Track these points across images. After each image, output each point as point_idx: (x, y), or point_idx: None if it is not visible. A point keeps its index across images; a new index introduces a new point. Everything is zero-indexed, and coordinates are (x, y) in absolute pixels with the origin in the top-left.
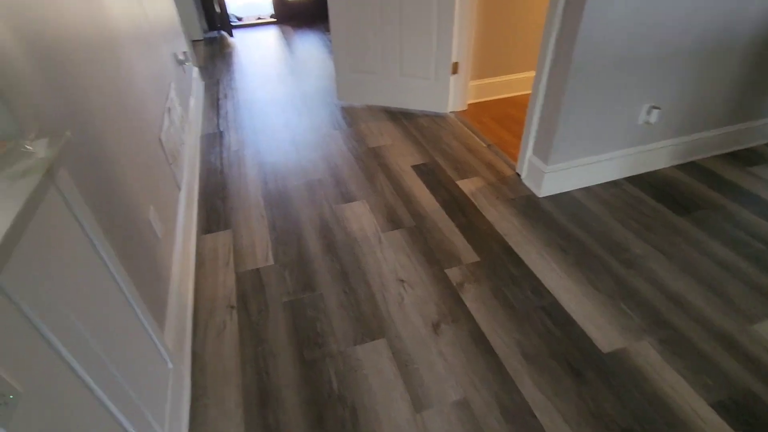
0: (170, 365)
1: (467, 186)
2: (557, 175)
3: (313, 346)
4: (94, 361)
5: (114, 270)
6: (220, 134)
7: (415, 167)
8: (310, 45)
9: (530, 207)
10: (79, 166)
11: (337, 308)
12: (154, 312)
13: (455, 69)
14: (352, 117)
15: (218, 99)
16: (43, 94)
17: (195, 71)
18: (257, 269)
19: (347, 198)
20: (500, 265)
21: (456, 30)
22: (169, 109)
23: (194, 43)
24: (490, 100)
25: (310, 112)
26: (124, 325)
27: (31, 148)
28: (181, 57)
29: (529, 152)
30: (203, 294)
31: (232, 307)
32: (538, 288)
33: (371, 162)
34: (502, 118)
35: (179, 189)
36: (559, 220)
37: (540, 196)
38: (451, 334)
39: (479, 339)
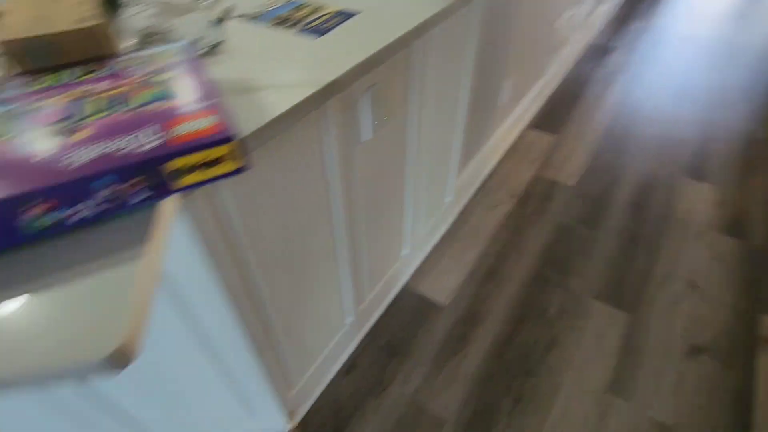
0: (448, 198)
1: None
2: None
3: (556, 270)
4: (415, 157)
5: (461, 101)
6: (607, 50)
7: None
8: None
9: None
10: (490, 7)
11: (603, 258)
12: (462, 156)
13: None
14: None
15: (630, 16)
16: None
17: None
18: (555, 182)
19: (696, 175)
20: None
21: None
22: (579, 3)
23: None
24: None
25: (727, 68)
26: (439, 148)
27: None
28: None
29: None
30: (498, 172)
31: (513, 196)
32: None
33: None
34: None
35: (540, 78)
36: None
37: None
38: (709, 371)
39: (742, 402)
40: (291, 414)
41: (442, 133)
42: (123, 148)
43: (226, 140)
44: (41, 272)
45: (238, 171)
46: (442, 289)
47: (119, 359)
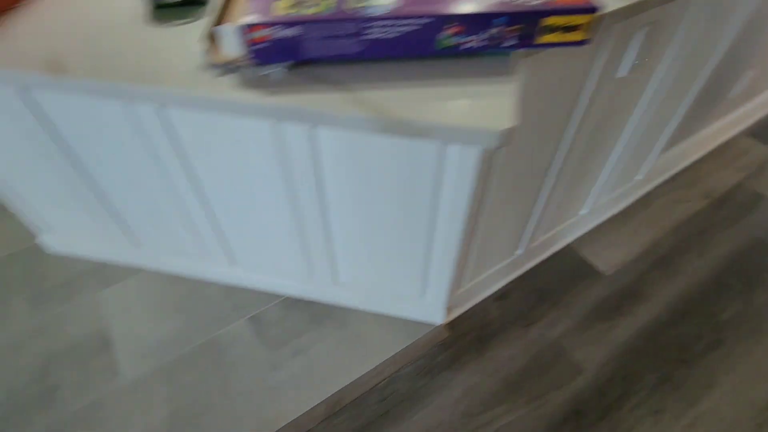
0: (639, 177)
1: None
2: None
3: (740, 280)
4: (639, 118)
5: (701, 78)
6: None
7: None
8: None
9: None
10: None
11: None
12: (670, 137)
13: None
14: None
15: None
16: None
17: None
18: (763, 196)
19: None
20: None
21: None
22: None
23: None
24: None
25: None
26: (659, 118)
27: None
28: None
29: None
30: (696, 168)
31: (707, 197)
32: None
33: None
34: None
35: None
36: None
37: None
38: None
39: None
40: (448, 310)
41: (668, 104)
42: (517, 1)
43: (591, 10)
44: (449, 75)
45: (583, 42)
46: (608, 259)
47: (505, 138)
